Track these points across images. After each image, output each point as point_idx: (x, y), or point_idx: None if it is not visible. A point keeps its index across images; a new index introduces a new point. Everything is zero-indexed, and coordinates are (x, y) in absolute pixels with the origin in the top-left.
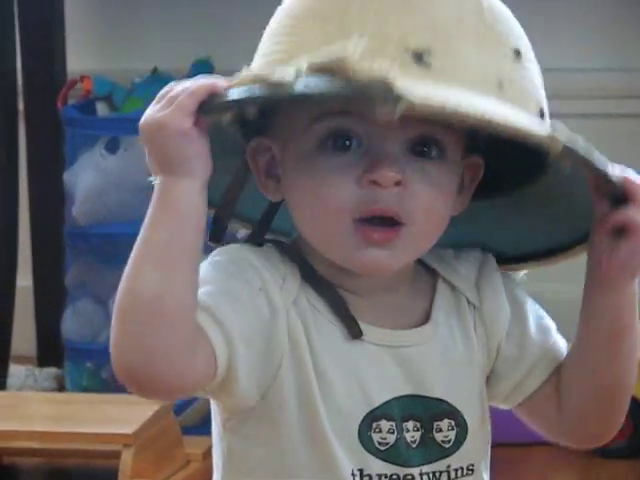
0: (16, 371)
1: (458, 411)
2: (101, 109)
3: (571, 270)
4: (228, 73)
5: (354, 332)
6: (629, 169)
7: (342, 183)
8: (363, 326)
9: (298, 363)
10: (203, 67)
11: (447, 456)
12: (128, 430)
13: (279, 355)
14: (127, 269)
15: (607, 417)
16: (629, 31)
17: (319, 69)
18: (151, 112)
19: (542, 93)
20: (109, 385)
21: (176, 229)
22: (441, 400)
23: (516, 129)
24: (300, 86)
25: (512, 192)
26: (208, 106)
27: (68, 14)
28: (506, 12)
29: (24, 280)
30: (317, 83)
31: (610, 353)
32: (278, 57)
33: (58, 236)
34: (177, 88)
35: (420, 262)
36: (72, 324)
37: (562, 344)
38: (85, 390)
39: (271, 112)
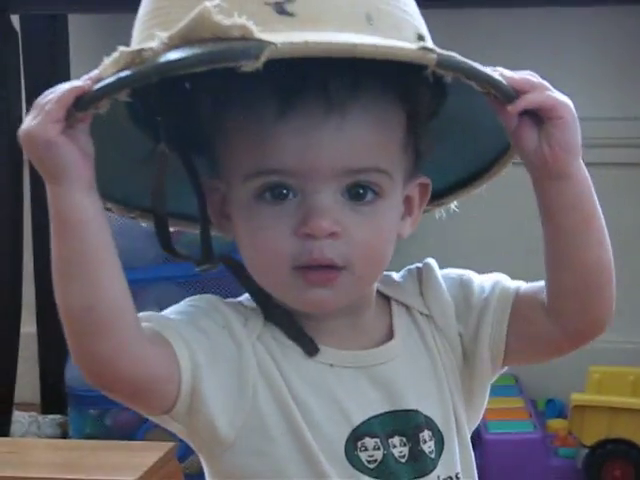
0: (20, 418)
1: (432, 420)
2: None
3: None
4: None
5: (309, 350)
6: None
7: (279, 233)
8: (331, 350)
9: (276, 395)
10: None
11: (435, 467)
12: (132, 477)
13: (250, 388)
14: (54, 286)
15: (595, 308)
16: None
17: (180, 38)
18: (25, 123)
19: (419, 20)
20: (113, 432)
21: (74, 238)
22: (416, 411)
23: (386, 48)
24: (162, 59)
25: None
26: (80, 104)
27: (72, 57)
28: None
29: (28, 327)
30: (178, 54)
31: (582, 243)
32: (145, 36)
33: None
34: (47, 96)
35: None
36: (76, 371)
37: (512, 283)
38: (89, 437)
39: (213, 152)
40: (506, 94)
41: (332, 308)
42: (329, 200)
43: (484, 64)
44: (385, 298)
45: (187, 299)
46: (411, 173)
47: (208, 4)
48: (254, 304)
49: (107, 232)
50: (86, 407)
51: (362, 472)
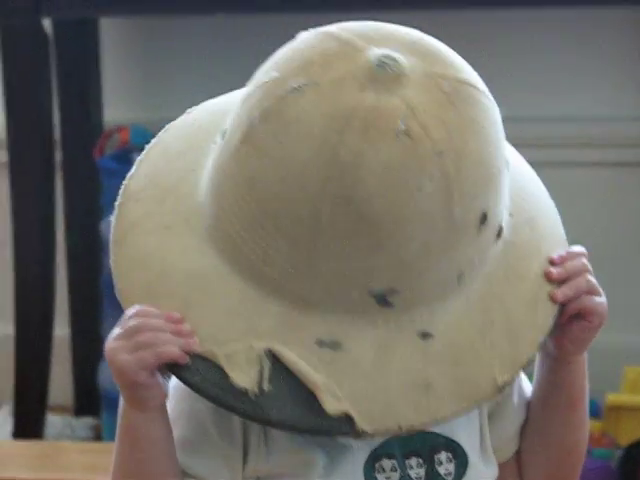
0: (53, 421)
1: (454, 442)
2: None
3: None
4: None
5: None
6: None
7: None
8: None
9: None
10: None
11: None
12: None
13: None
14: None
15: None
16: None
17: (281, 382)
18: (114, 347)
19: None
20: None
21: (141, 455)
22: (437, 434)
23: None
24: (266, 409)
25: None
26: (172, 372)
27: (104, 65)
28: (472, 157)
29: (61, 329)
30: (283, 414)
31: (566, 423)
32: (246, 254)
33: (95, 285)
34: (145, 333)
35: None
36: (109, 374)
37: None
38: None
39: None
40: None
41: None
42: None
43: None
44: None
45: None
46: None
47: (323, 393)
48: None
49: (171, 444)
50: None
51: None
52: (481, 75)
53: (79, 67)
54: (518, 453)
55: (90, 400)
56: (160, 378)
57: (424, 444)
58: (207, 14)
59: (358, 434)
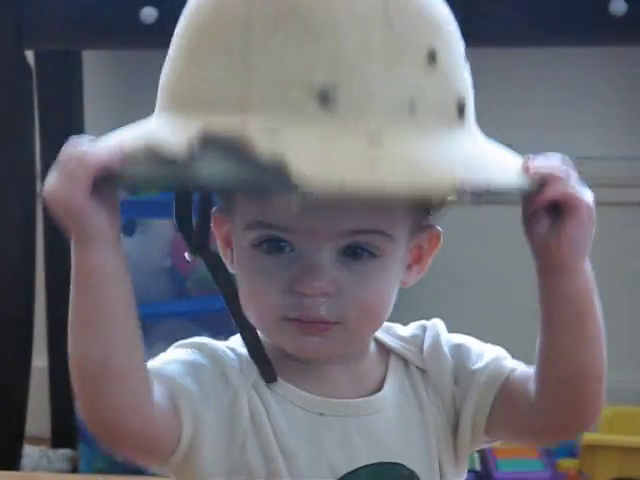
0: (30, 452)
1: (416, 475)
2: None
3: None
4: None
5: (267, 377)
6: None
7: (271, 286)
8: (322, 400)
9: (263, 443)
10: None
11: None
12: None
13: (241, 436)
14: (69, 335)
15: (581, 406)
16: None
17: (213, 142)
18: (49, 180)
19: (462, 82)
20: (122, 467)
21: (96, 292)
22: (401, 465)
23: (417, 192)
24: (197, 169)
25: None
26: (106, 181)
27: (87, 97)
28: (419, 4)
29: (39, 360)
30: (214, 171)
31: (574, 340)
32: (178, 90)
33: None
34: (72, 154)
35: (375, 339)
36: None
37: (511, 364)
38: (99, 472)
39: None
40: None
41: (326, 355)
42: (325, 259)
43: (490, 105)
44: (385, 349)
45: (183, 344)
46: (419, 226)
47: (252, 126)
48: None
49: (128, 286)
50: (96, 442)
51: None
52: (480, 109)
53: (61, 98)
54: (533, 377)
55: (67, 432)
56: (102, 201)
57: (391, 476)
58: None
59: (294, 184)
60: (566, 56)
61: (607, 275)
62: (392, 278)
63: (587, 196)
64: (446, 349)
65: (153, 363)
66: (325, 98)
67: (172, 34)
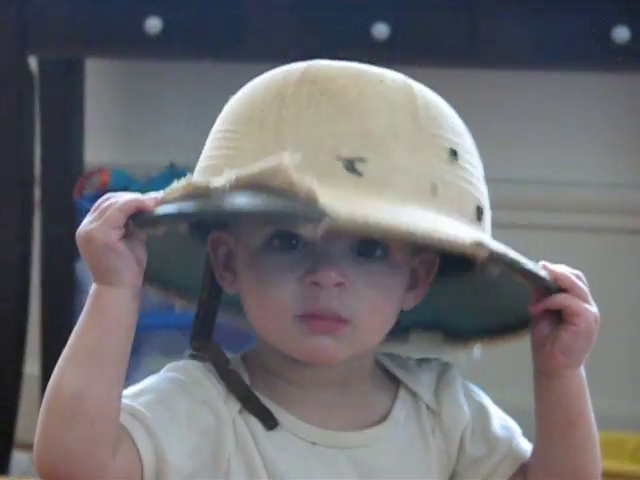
0: (19, 458)
1: None
2: None
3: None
4: None
5: (269, 424)
6: (557, 264)
7: (285, 281)
8: (314, 429)
9: (251, 473)
10: None
11: None
12: None
13: (225, 464)
14: (60, 360)
15: None
16: None
17: (247, 183)
18: (84, 223)
19: (481, 190)
20: None
21: (102, 334)
22: None
23: (441, 236)
24: (226, 204)
25: (463, 276)
26: (139, 220)
27: (88, 105)
28: (443, 110)
29: (31, 367)
30: (243, 201)
31: (565, 445)
32: (214, 164)
33: (68, 325)
34: (109, 200)
35: (384, 369)
36: None
37: (526, 446)
38: None
39: None
40: (548, 289)
41: (333, 359)
42: (339, 251)
43: (492, 128)
44: (394, 380)
45: (169, 367)
46: (418, 247)
47: (287, 160)
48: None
49: (133, 331)
50: None
51: None
52: (479, 138)
53: (63, 106)
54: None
55: None
56: (133, 250)
57: None
58: (195, 61)
59: (322, 213)
60: (569, 81)
61: (609, 305)
62: (398, 287)
63: (591, 311)
64: (462, 400)
65: (131, 391)
66: (352, 168)
67: (176, 46)
